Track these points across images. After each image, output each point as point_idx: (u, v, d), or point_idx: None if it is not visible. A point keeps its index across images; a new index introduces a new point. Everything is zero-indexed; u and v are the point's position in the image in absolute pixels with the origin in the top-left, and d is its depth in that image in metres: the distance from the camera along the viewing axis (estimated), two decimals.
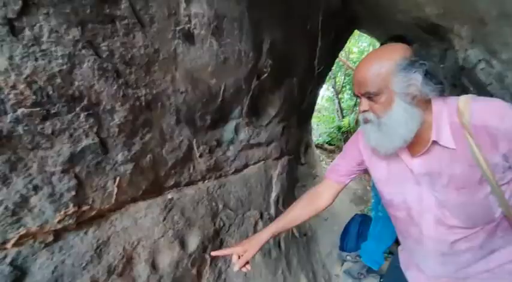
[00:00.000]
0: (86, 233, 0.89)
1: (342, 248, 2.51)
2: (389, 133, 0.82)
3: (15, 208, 0.74)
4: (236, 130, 1.55)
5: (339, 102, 5.13)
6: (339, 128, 4.65)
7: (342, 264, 2.43)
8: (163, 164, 1.15)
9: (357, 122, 4.49)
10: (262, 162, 1.78)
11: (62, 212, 0.82)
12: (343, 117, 4.72)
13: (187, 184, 1.28)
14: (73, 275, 0.83)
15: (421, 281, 1.06)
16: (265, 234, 1.12)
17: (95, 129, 0.88)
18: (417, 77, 0.75)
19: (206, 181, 1.38)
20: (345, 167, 1.09)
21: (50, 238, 0.81)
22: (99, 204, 0.93)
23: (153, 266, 1.05)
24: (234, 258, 1.07)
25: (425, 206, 0.87)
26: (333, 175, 1.13)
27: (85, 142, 0.86)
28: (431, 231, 0.90)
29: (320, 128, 5.41)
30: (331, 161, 4.65)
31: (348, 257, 2.42)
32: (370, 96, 0.82)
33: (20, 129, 0.72)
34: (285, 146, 2.02)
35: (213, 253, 1.08)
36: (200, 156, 1.32)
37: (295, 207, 1.18)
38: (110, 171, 0.94)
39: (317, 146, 4.64)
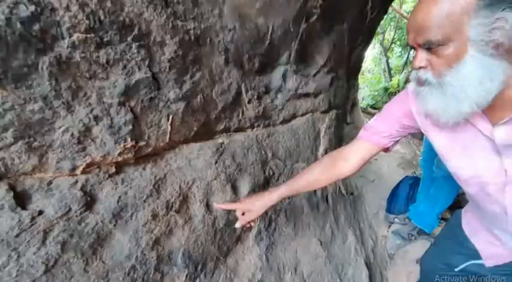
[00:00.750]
0: (144, 168, 0.90)
1: (389, 211, 2.41)
2: (455, 96, 0.63)
3: (80, 137, 0.74)
4: (284, 77, 1.45)
5: (387, 61, 4.64)
6: (386, 89, 4.28)
7: (389, 226, 2.34)
8: (214, 106, 1.11)
9: (407, 81, 4.10)
10: (310, 114, 1.68)
11: (122, 145, 0.82)
12: (391, 78, 4.30)
13: (237, 130, 1.24)
14: (135, 206, 0.85)
15: (499, 252, 0.95)
16: (273, 196, 1.03)
17: (146, 62, 0.85)
18: (508, 17, 0.54)
19: (255, 129, 1.33)
20: (386, 129, 0.93)
21: (113, 170, 0.82)
22: (154, 141, 0.92)
23: (208, 207, 1.05)
24: (238, 213, 1.04)
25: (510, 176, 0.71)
26: (370, 136, 0.97)
27: (138, 75, 0.83)
28: None
29: (364, 91, 5.05)
30: None
31: (396, 220, 2.32)
32: (431, 47, 0.62)
33: (77, 55, 0.70)
34: (333, 99, 1.89)
35: (217, 205, 1.05)
36: (249, 102, 1.26)
37: (314, 170, 1.03)
38: (163, 109, 0.92)
39: (361, 111, 4.37)
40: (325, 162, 1.03)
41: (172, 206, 0.94)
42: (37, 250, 0.65)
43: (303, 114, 1.63)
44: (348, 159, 1.00)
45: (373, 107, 4.81)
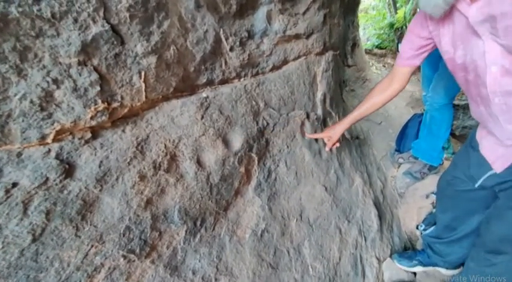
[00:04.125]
0: (123, 131, 0.86)
1: (399, 150, 2.36)
2: None
3: (42, 103, 0.70)
4: (268, 19, 1.31)
5: None
6: (391, 25, 3.92)
7: (399, 167, 2.30)
8: (191, 58, 1.02)
9: (414, 13, 3.74)
10: (304, 57, 1.56)
11: (92, 108, 0.78)
12: (396, 11, 3.91)
13: (222, 82, 1.17)
14: (120, 169, 0.83)
15: (500, 152, 1.02)
16: (346, 121, 1.40)
17: (101, 13, 0.76)
18: None
19: (242, 79, 1.25)
20: (412, 50, 1.11)
21: (88, 135, 0.79)
22: (129, 101, 0.86)
23: (199, 164, 1.02)
24: (325, 140, 1.46)
25: (489, 59, 0.82)
26: (403, 61, 1.17)
27: (95, 29, 0.75)
28: (496, 85, 0.86)
29: (368, 31, 4.68)
30: (382, 66, 4.13)
31: (400, 159, 2.27)
32: None
33: (13, 10, 0.63)
34: (328, 39, 1.73)
35: (308, 135, 1.49)
36: (231, 49, 1.16)
37: (371, 95, 1.33)
38: (132, 65, 0.85)
39: (366, 52, 4.11)
40: (378, 88, 1.31)
41: (160, 166, 0.92)
42: (19, 221, 0.65)
43: (295, 59, 1.51)
44: (394, 81, 1.24)
45: (379, 47, 4.49)
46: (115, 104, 0.83)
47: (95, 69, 0.77)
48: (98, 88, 0.78)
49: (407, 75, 1.20)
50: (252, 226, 1.17)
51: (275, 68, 1.41)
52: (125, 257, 0.81)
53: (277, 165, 1.35)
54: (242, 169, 1.18)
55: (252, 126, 1.22)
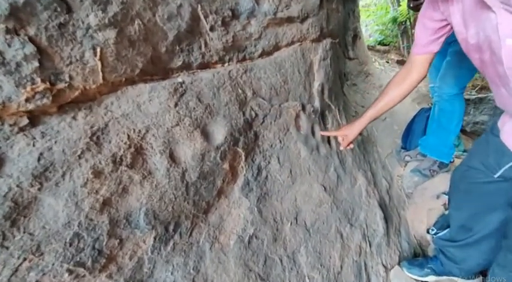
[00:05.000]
0: (74, 117, 0.71)
1: (405, 147, 2.19)
2: None
3: None
4: None
5: None
6: (394, 19, 3.76)
7: (405, 166, 2.14)
8: (162, 36, 0.88)
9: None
10: (298, 44, 1.41)
11: (28, 88, 0.63)
12: (399, 4, 3.74)
13: (202, 66, 1.02)
14: (68, 164, 0.68)
15: None
16: (363, 119, 1.27)
17: None
18: None
19: (226, 64, 1.10)
20: (427, 33, 1.05)
21: (24, 121, 0.64)
22: (81, 83, 0.72)
23: (172, 158, 0.87)
24: (339, 139, 1.35)
25: (503, 31, 0.77)
26: (420, 49, 1.10)
27: None
28: None
29: (370, 27, 4.52)
30: (386, 62, 3.96)
31: (407, 157, 2.10)
32: None
33: None
34: (326, 25, 1.59)
35: (321, 133, 1.43)
36: (211, 29, 1.02)
37: (388, 89, 1.21)
38: (84, 39, 0.71)
39: (368, 48, 3.95)
40: (395, 81, 1.19)
41: (121, 160, 0.77)
42: None
43: (288, 44, 1.36)
44: (413, 71, 1.14)
45: (382, 43, 4.32)
46: (61, 85, 0.68)
47: (31, 40, 0.63)
48: (36, 64, 0.64)
49: (426, 63, 1.11)
50: (238, 231, 1.02)
51: (265, 53, 1.26)
52: (70, 271, 0.66)
53: (269, 162, 1.19)
54: (226, 166, 1.02)
55: (237, 117, 1.07)
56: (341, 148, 1.32)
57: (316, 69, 1.53)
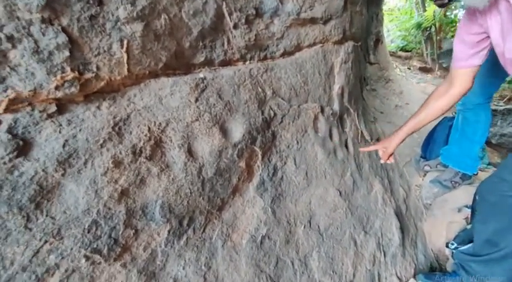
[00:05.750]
0: (98, 107, 0.73)
1: (425, 156, 2.12)
2: None
3: None
4: None
5: None
6: (419, 25, 3.65)
7: (424, 175, 2.06)
8: (186, 31, 0.89)
9: (445, 11, 3.46)
10: (320, 45, 1.40)
11: (58, 77, 0.65)
12: (424, 9, 3.63)
13: (224, 63, 1.03)
14: (90, 152, 0.70)
15: None
16: (402, 131, 1.24)
17: None
18: None
19: (248, 62, 1.10)
20: (466, 47, 1.03)
21: (53, 108, 0.66)
22: (107, 73, 0.74)
23: (190, 153, 0.88)
24: (380, 152, 1.32)
25: None
26: (461, 63, 1.07)
27: None
28: None
29: (392, 32, 4.42)
30: (407, 69, 3.87)
31: (427, 167, 2.03)
32: None
33: None
34: (349, 28, 1.56)
35: (361, 149, 1.44)
36: (235, 27, 1.02)
37: (429, 100, 1.17)
38: (112, 31, 0.72)
39: (389, 54, 3.87)
40: (437, 93, 1.16)
41: (141, 152, 0.78)
42: None
43: (310, 45, 1.35)
44: (455, 84, 1.10)
45: (404, 49, 4.21)
46: (88, 75, 0.70)
47: (64, 30, 0.65)
48: (67, 53, 0.66)
49: (468, 77, 1.08)
50: (251, 230, 1.01)
51: (286, 53, 1.25)
52: (87, 257, 0.67)
53: (285, 163, 1.18)
54: (242, 164, 1.02)
55: (256, 115, 1.07)
56: (382, 161, 1.30)
57: (336, 72, 1.51)
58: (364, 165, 1.59)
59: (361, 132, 1.69)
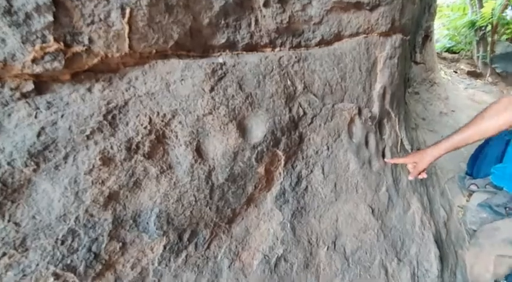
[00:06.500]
0: (89, 89, 0.59)
1: (471, 174, 1.84)
2: None
3: None
4: None
5: None
6: (472, 23, 3.24)
7: (470, 195, 1.79)
8: (206, 4, 0.73)
9: (504, 8, 3.02)
10: (363, 36, 1.19)
11: (37, 47, 0.51)
12: (481, 5, 3.17)
13: (248, 48, 0.86)
14: (72, 144, 0.56)
15: None
16: (441, 145, 1.04)
17: None
18: None
19: (278, 49, 0.93)
20: None
21: (28, 86, 0.53)
22: (103, 48, 0.59)
23: (199, 153, 0.72)
24: (409, 166, 1.14)
25: None
26: None
27: None
28: None
29: (439, 31, 3.99)
30: (453, 72, 3.49)
31: (473, 186, 1.75)
32: None
33: None
34: (399, 18, 1.33)
35: (387, 160, 1.20)
36: (265, 5, 0.85)
37: (482, 116, 0.97)
38: None
39: None
40: (493, 110, 0.94)
41: (138, 148, 0.63)
42: None
43: (352, 35, 1.15)
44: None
45: (451, 50, 3.80)
46: (78, 48, 0.56)
47: None
48: (50, 18, 0.52)
49: None
50: (265, 250, 0.84)
51: (324, 42, 1.06)
52: (57, 276, 0.54)
53: (311, 171, 1.00)
54: (261, 169, 0.85)
55: (282, 112, 0.89)
56: (410, 178, 1.13)
57: (380, 69, 1.29)
58: (401, 179, 1.37)
59: (401, 140, 1.46)
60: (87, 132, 0.57)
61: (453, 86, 2.79)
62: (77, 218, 0.56)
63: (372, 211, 1.15)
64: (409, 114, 1.79)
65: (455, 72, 3.17)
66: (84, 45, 0.57)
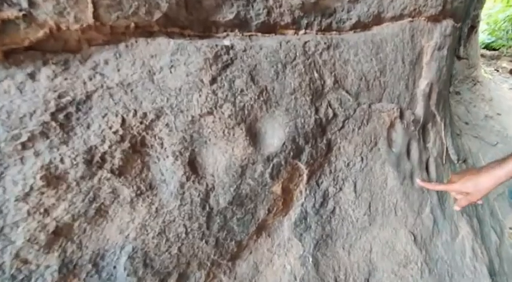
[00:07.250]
0: (31, 76, 0.41)
1: None
2: None
3: None
4: None
5: None
6: None
7: None
8: None
9: None
10: (408, 19, 0.96)
11: None
12: None
13: (265, 28, 0.65)
14: (7, 163, 0.38)
15: None
16: (501, 169, 0.68)
17: None
18: None
19: (302, 31, 0.72)
20: None
21: None
22: (52, 16, 0.41)
23: (193, 168, 0.53)
24: (453, 194, 0.79)
25: None
26: None
27: None
28: None
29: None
30: (495, 70, 3.14)
31: None
32: None
33: None
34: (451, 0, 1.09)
35: (421, 183, 0.82)
36: None
37: None
38: None
39: None
40: None
41: (103, 161, 0.45)
42: None
43: (394, 18, 0.92)
44: None
45: (490, 47, 3.43)
46: (10, 12, 0.38)
47: None
48: None
49: None
50: None
51: (360, 25, 0.84)
52: None
53: (340, 189, 0.78)
54: (277, 188, 0.65)
55: (306, 114, 0.68)
56: (456, 208, 0.76)
57: (426, 61, 1.05)
58: (447, 197, 1.13)
59: (447, 148, 1.21)
60: (23, 139, 0.39)
61: (496, 86, 2.47)
62: (2, 266, 0.38)
63: (414, 239, 0.92)
64: (451, 119, 1.53)
65: (497, 70, 2.84)
66: (21, 10, 0.38)
